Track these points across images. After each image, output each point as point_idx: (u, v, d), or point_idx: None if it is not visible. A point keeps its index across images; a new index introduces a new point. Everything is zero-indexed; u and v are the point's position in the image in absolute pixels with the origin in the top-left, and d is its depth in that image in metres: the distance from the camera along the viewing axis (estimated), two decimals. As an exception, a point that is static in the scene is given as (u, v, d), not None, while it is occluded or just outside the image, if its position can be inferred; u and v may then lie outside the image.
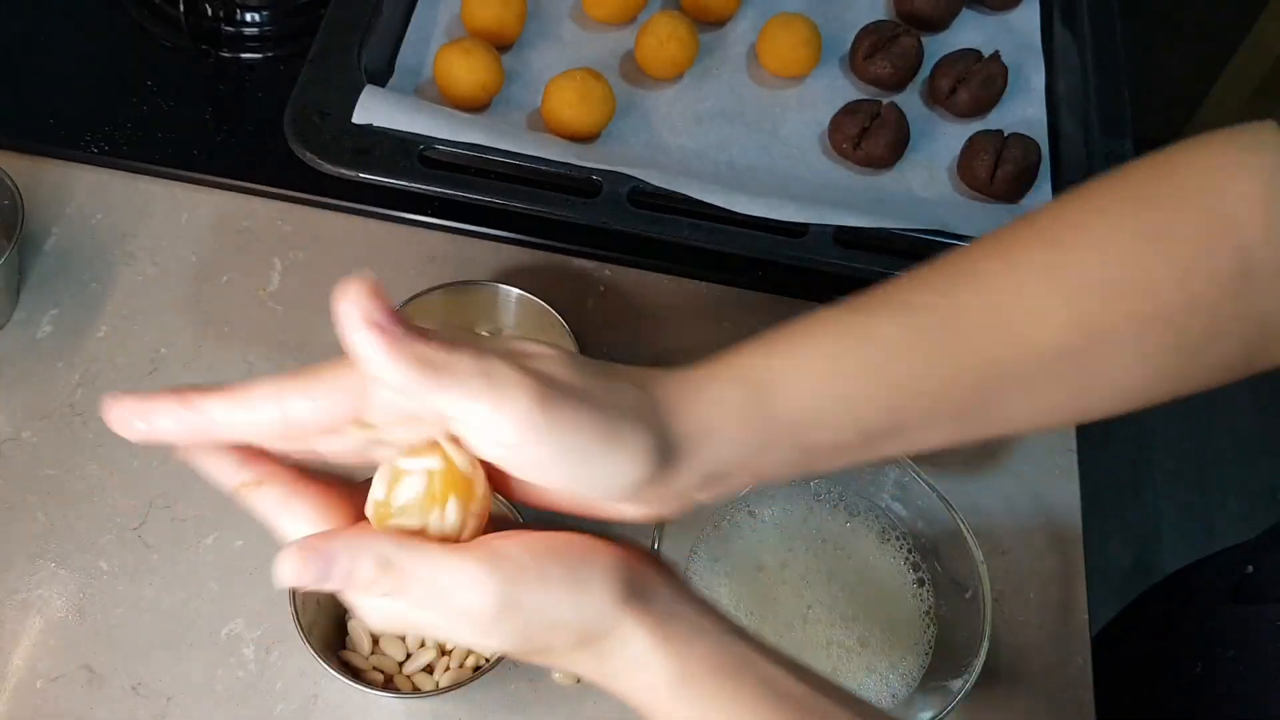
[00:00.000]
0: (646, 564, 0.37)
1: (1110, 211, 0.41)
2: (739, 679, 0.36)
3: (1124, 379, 0.42)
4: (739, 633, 0.38)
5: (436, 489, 0.36)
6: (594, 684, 0.38)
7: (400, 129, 0.65)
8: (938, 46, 0.77)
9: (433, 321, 0.65)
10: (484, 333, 0.67)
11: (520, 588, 0.34)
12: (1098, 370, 0.41)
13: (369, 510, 0.37)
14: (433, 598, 0.35)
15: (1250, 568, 0.64)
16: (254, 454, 0.37)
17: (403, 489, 0.36)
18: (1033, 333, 0.39)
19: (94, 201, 0.72)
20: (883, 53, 0.74)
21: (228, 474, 0.37)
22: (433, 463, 0.36)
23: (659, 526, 0.57)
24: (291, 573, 0.34)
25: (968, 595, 0.58)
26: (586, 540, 0.36)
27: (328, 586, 0.34)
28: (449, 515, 0.36)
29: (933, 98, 0.76)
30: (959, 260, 0.41)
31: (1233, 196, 0.40)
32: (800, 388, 0.38)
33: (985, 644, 0.56)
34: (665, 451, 0.37)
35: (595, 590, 0.35)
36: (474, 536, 0.37)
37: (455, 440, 0.37)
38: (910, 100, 0.76)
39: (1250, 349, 0.42)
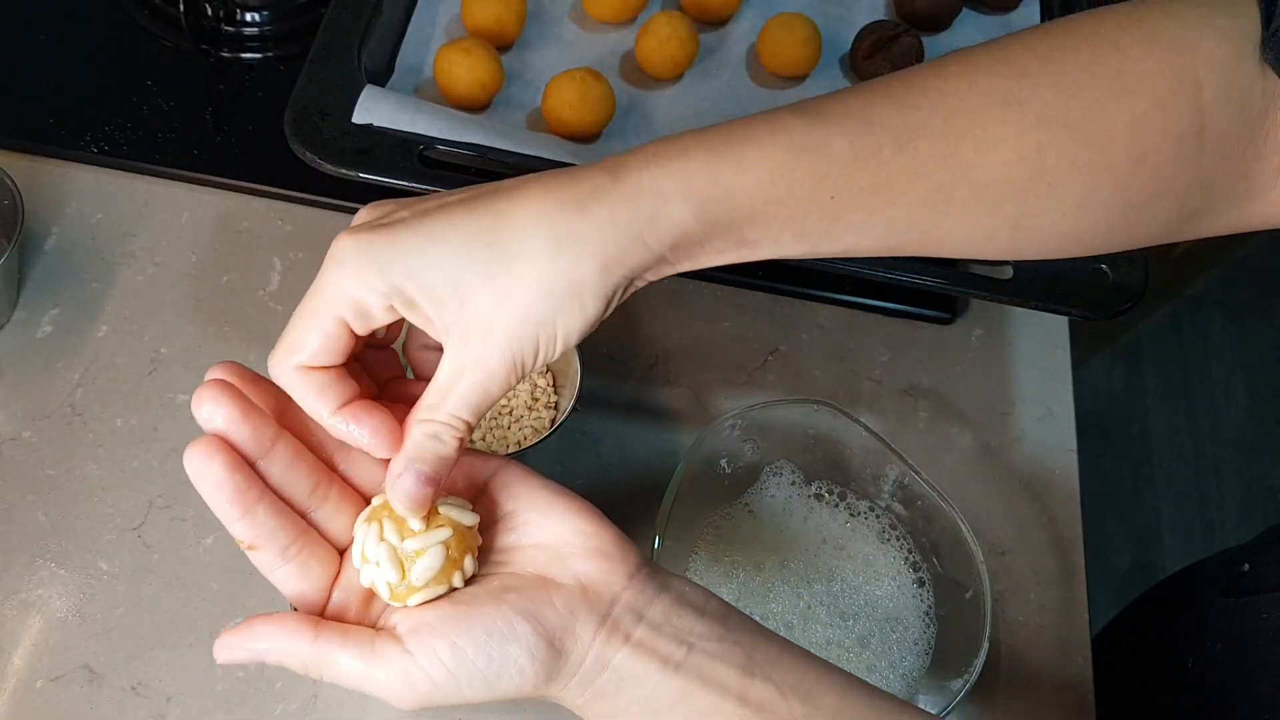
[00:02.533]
0: (578, 610, 0.39)
1: (1079, 50, 0.40)
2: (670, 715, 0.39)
3: (1060, 223, 0.42)
4: (690, 654, 0.39)
5: (455, 554, 0.39)
6: None
7: (400, 129, 0.65)
8: (938, 46, 0.77)
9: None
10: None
11: (435, 695, 0.38)
12: (1036, 210, 0.41)
13: (380, 590, 0.40)
14: (353, 687, 0.39)
15: (1246, 565, 0.64)
16: (258, 496, 0.39)
17: (420, 567, 0.39)
18: (980, 161, 0.40)
19: (94, 201, 0.72)
20: (883, 53, 0.74)
21: (232, 526, 0.39)
22: (442, 534, 0.39)
23: (659, 528, 0.57)
24: (227, 658, 0.39)
25: (968, 595, 0.58)
26: (507, 620, 0.38)
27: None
28: (468, 570, 0.40)
29: (933, 98, 0.76)
30: (926, 74, 0.41)
31: (1200, 54, 0.40)
32: (745, 193, 0.39)
33: (985, 644, 0.56)
34: (633, 273, 0.39)
35: (508, 680, 0.38)
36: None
37: (449, 502, 0.41)
38: (910, 100, 0.76)
39: (1188, 213, 0.42)
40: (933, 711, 0.55)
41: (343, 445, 0.41)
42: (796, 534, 0.62)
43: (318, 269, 0.71)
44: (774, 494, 0.63)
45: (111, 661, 0.59)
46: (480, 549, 0.41)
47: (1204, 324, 1.89)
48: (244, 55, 0.79)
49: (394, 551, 0.39)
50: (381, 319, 0.39)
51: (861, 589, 0.61)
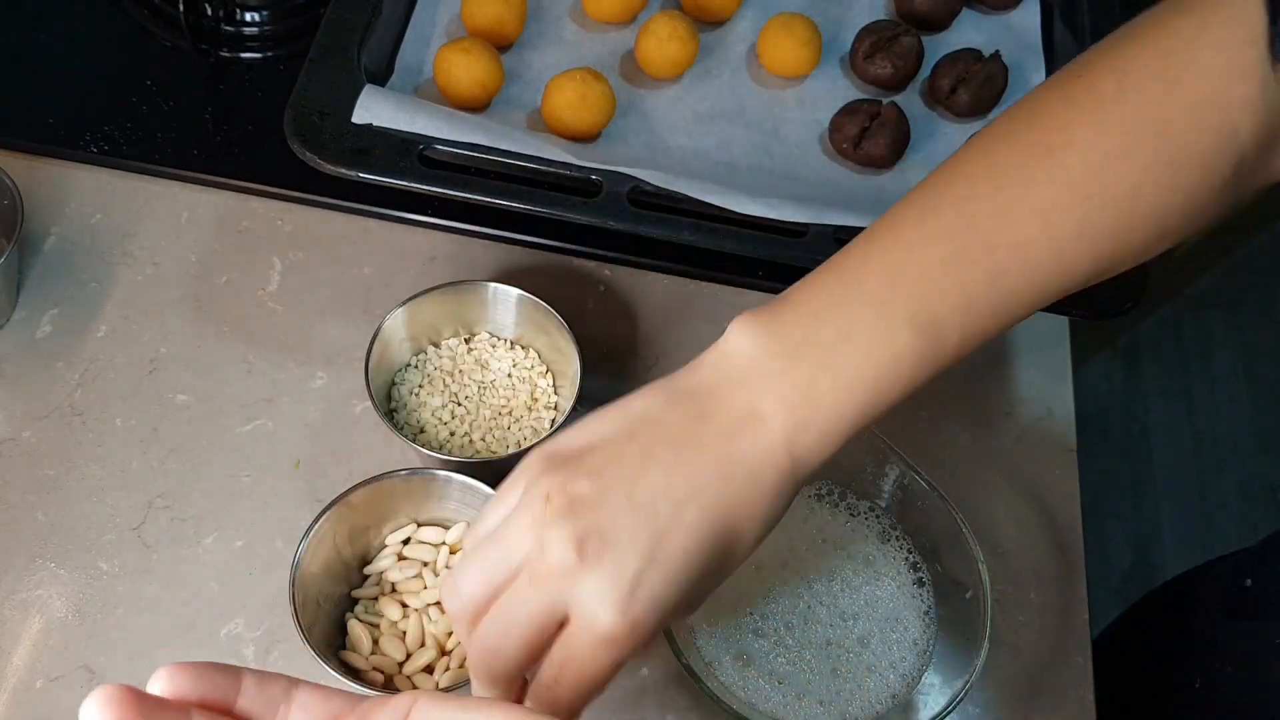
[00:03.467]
0: None
1: (1131, 153, 0.42)
2: None
3: (1119, 270, 0.46)
4: None
5: None
6: None
7: (400, 129, 0.65)
8: (938, 46, 0.77)
9: (432, 320, 0.65)
10: (485, 333, 0.67)
11: None
12: (1101, 277, 0.45)
13: None
14: None
15: (1248, 581, 0.64)
16: None
17: None
18: (1064, 281, 0.43)
19: (93, 201, 0.72)
20: (883, 52, 0.74)
21: None
22: None
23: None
24: None
25: (968, 595, 0.58)
26: None
27: None
28: None
29: (933, 97, 0.76)
30: (1000, 228, 0.42)
31: (1237, 103, 0.42)
32: (852, 416, 0.42)
33: (985, 644, 0.56)
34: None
35: None
36: None
37: None
38: (910, 100, 0.76)
39: (1215, 212, 0.45)
40: (933, 711, 0.55)
41: None
42: (796, 534, 0.62)
43: (317, 268, 0.71)
44: (774, 494, 0.63)
45: (111, 661, 0.59)
46: None
47: (1204, 324, 1.89)
48: (244, 55, 0.79)
49: None
50: None
51: (861, 589, 0.61)
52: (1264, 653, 0.60)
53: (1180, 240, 0.45)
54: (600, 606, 0.38)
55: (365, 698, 0.35)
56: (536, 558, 0.39)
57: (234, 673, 0.35)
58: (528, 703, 0.40)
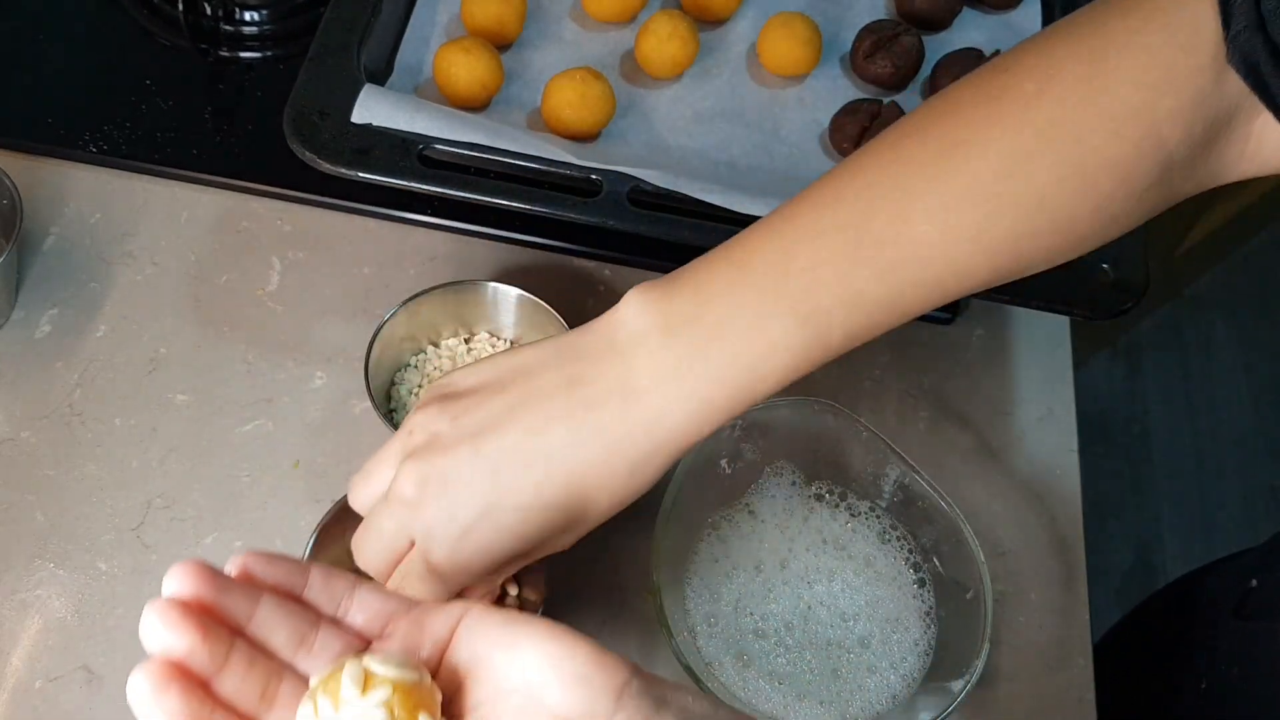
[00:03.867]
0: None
1: (1042, 157, 0.41)
2: None
3: (1029, 272, 0.45)
4: None
5: (403, 713, 0.33)
6: None
7: (400, 128, 0.65)
8: (939, 46, 0.77)
9: (432, 320, 0.65)
10: (485, 333, 0.66)
11: None
12: (1007, 279, 0.44)
13: None
14: None
15: (1254, 582, 0.64)
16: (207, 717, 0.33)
17: None
18: (960, 281, 0.43)
19: (93, 201, 0.72)
20: (883, 52, 0.74)
21: None
22: (379, 695, 0.33)
23: (659, 529, 0.57)
24: None
25: (968, 596, 0.58)
26: None
27: None
28: None
29: (933, 97, 0.76)
30: (895, 224, 0.42)
31: (1163, 113, 0.40)
32: (759, 398, 0.43)
33: (986, 645, 0.56)
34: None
35: None
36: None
37: (372, 653, 0.35)
38: (911, 100, 0.76)
39: (1149, 210, 0.44)
40: (933, 712, 0.55)
41: (304, 638, 0.36)
42: (796, 534, 0.62)
43: (317, 268, 0.71)
44: (774, 494, 0.63)
45: (110, 662, 0.58)
46: (454, 709, 0.35)
47: (1204, 324, 1.89)
48: (243, 54, 0.79)
49: None
50: None
51: (862, 589, 0.61)
52: (1271, 653, 0.60)
53: (1103, 242, 0.44)
54: (430, 544, 0.42)
55: (420, 602, 0.37)
56: (393, 486, 0.43)
57: (303, 566, 0.37)
58: None
